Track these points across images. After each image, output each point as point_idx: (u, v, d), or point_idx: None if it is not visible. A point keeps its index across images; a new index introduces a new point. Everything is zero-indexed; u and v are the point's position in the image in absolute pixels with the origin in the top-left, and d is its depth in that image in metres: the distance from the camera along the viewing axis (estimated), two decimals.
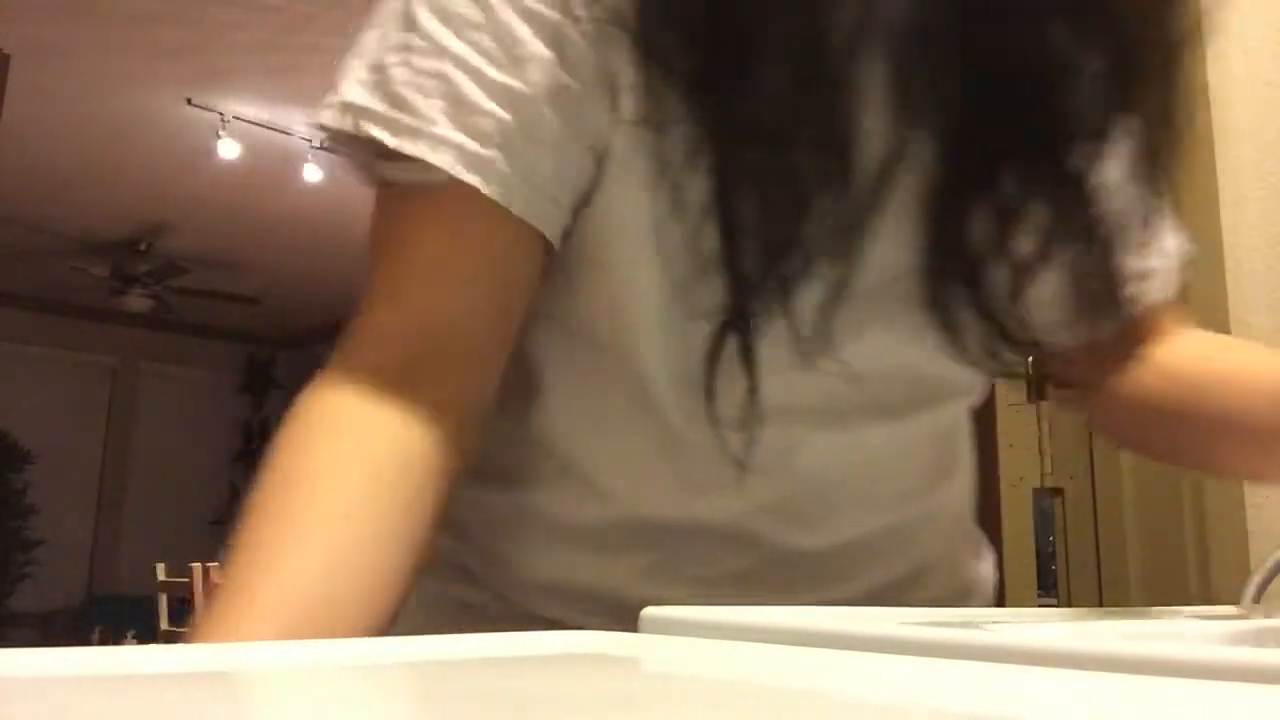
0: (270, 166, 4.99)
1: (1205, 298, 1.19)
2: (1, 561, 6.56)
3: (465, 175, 0.46)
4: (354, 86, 0.51)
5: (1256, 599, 0.67)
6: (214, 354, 8.09)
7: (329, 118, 0.50)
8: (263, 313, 7.22)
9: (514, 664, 0.26)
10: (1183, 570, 1.15)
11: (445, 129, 0.47)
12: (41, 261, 6.35)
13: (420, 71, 0.48)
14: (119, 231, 5.98)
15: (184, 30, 3.84)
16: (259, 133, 4.64)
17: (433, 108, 0.47)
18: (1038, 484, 1.26)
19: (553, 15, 0.48)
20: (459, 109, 0.47)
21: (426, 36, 0.49)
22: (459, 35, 0.48)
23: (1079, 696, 0.24)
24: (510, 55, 0.47)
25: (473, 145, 0.47)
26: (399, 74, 0.49)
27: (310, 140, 4.74)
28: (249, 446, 8.19)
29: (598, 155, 0.50)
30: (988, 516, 0.77)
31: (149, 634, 5.03)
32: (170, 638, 3.94)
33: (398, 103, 0.48)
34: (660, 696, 0.22)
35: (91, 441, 7.45)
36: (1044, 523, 1.29)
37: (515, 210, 0.47)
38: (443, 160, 0.46)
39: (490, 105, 0.47)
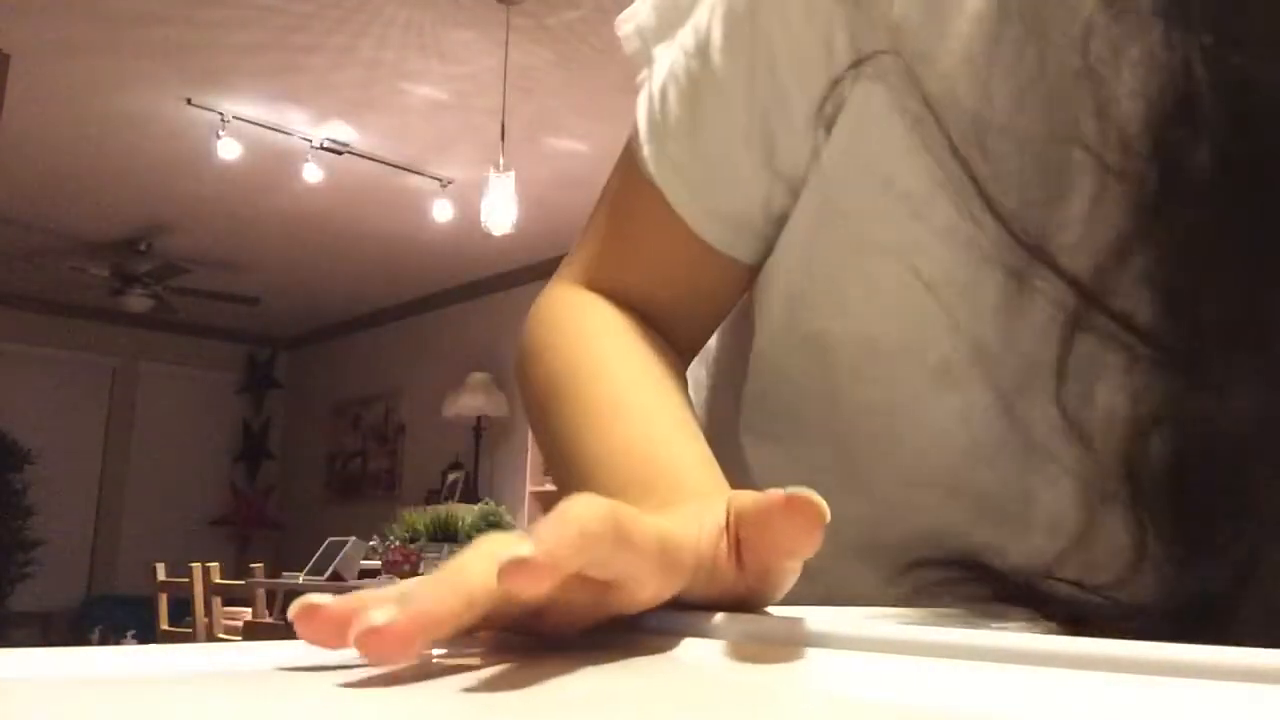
0: (270, 166, 4.99)
1: None
2: (1, 561, 6.56)
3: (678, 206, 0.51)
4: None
5: None
6: (214, 354, 8.09)
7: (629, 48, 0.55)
8: (263, 313, 7.22)
9: (516, 663, 0.26)
10: None
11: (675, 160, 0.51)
12: (41, 261, 6.35)
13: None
14: (119, 231, 5.98)
15: (184, 30, 3.84)
16: (259, 133, 4.64)
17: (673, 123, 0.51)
18: None
19: None
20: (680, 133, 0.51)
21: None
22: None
23: (1076, 697, 0.24)
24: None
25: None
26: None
27: (310, 140, 4.74)
28: (249, 446, 8.19)
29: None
30: None
31: (149, 634, 5.03)
32: (170, 638, 3.94)
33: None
34: (657, 696, 0.22)
35: (91, 441, 7.45)
36: None
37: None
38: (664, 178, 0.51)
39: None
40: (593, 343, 0.53)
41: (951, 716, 0.21)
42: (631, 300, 0.55)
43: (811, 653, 0.30)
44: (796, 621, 0.31)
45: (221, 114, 4.48)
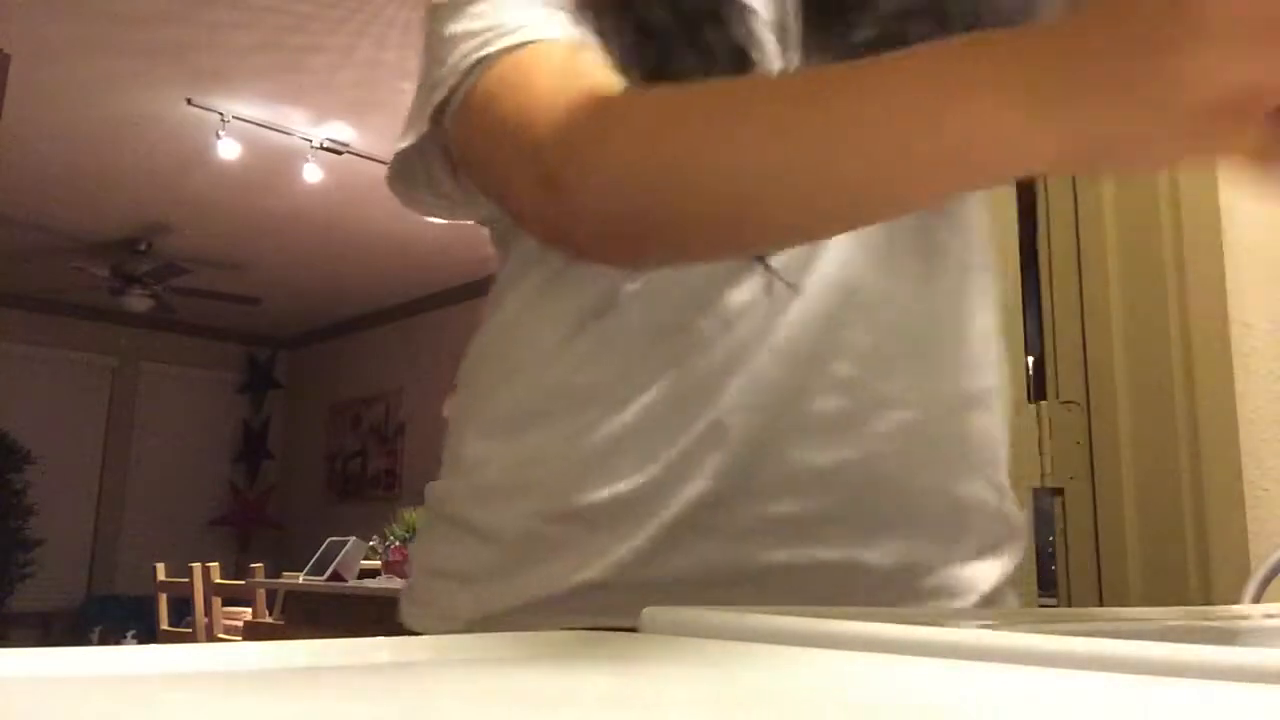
0: (270, 166, 4.99)
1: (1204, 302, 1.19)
2: (1, 561, 6.56)
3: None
4: None
5: (1256, 599, 0.67)
6: (214, 354, 8.09)
7: None
8: (263, 313, 7.22)
9: (515, 663, 0.26)
10: (1183, 570, 1.15)
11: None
12: (41, 261, 6.35)
13: None
14: (119, 231, 5.98)
15: (184, 30, 3.84)
16: (259, 133, 4.64)
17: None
18: (1038, 484, 1.26)
19: None
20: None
21: None
22: None
23: (1076, 696, 0.24)
24: None
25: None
26: None
27: (310, 140, 4.74)
28: (249, 446, 8.19)
29: None
30: None
31: (149, 634, 5.03)
32: (170, 638, 3.94)
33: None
34: (657, 696, 0.22)
35: (91, 441, 7.45)
36: (1044, 523, 1.29)
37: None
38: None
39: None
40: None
41: (951, 716, 0.21)
42: None
43: (811, 652, 0.30)
44: (796, 621, 0.31)
45: (221, 114, 4.48)
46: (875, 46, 0.47)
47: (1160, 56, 0.31)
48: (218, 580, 3.78)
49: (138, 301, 6.26)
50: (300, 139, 4.72)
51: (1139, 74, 0.32)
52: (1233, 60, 0.30)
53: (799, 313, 0.57)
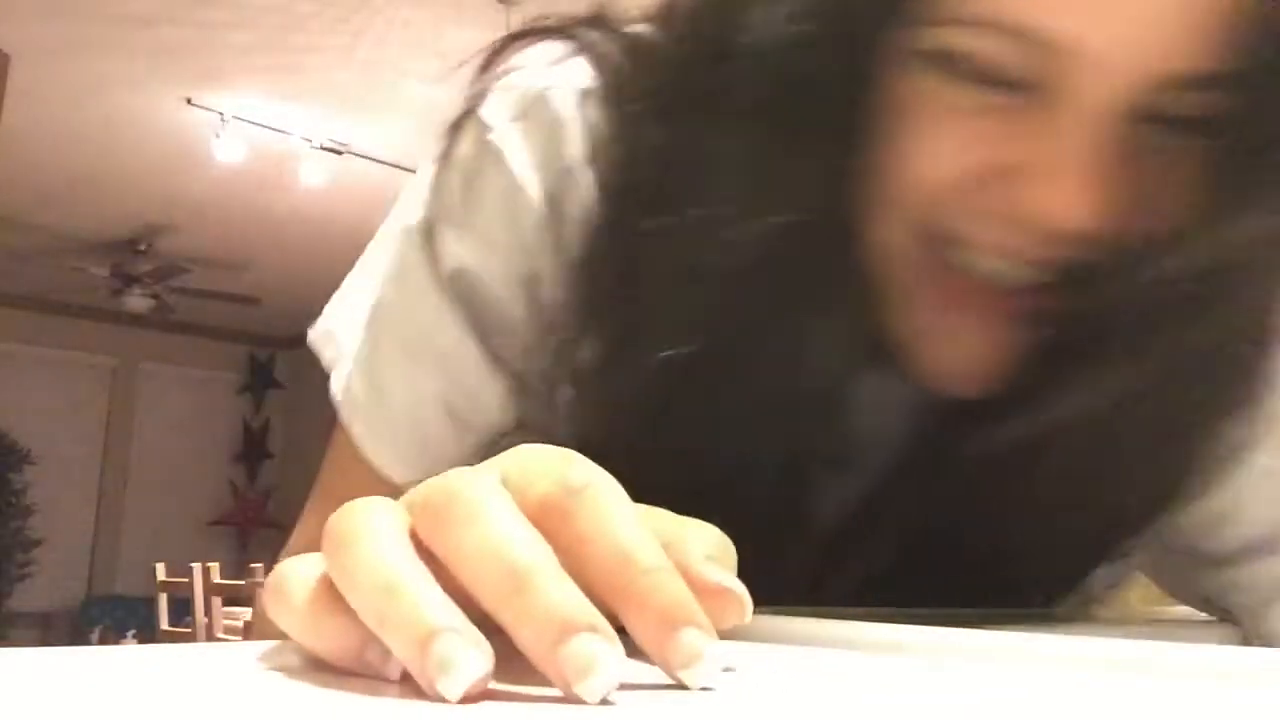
0: (270, 166, 4.99)
1: None
2: (2, 561, 6.56)
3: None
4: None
5: None
6: (214, 354, 8.08)
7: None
8: (263, 313, 7.22)
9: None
10: None
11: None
12: (41, 262, 6.34)
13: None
14: (119, 231, 5.98)
15: (184, 30, 3.84)
16: (259, 133, 4.64)
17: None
18: None
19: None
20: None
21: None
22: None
23: (1075, 696, 0.24)
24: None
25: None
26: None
27: (310, 140, 4.74)
28: (249, 446, 8.19)
29: None
30: None
31: (149, 634, 5.02)
32: (170, 638, 3.94)
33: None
34: (654, 697, 0.22)
35: (91, 441, 7.45)
36: None
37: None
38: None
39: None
40: None
41: (951, 716, 0.21)
42: None
43: (809, 652, 0.30)
44: (794, 621, 0.31)
45: (221, 114, 4.48)
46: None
47: None
48: (218, 580, 3.77)
49: (138, 301, 6.26)
50: (300, 139, 4.72)
51: None
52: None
53: None
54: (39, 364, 7.24)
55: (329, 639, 0.24)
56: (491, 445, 0.49)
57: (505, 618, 0.22)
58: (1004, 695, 0.24)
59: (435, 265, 0.48)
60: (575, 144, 0.46)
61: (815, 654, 0.30)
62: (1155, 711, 0.22)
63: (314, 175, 4.88)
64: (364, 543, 0.23)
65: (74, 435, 7.32)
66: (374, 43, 3.90)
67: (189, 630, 3.78)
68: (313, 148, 4.76)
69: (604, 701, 0.21)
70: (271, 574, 0.25)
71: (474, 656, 0.21)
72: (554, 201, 0.46)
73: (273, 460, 8.25)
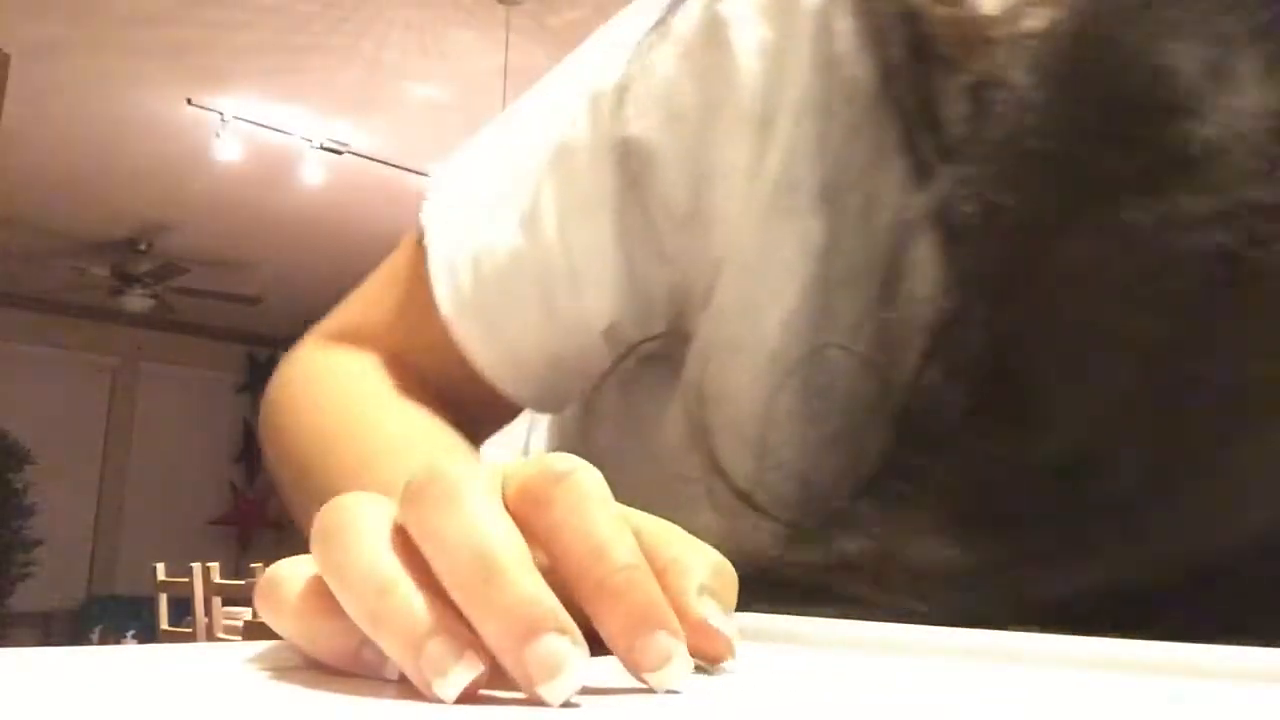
0: (270, 166, 4.99)
1: None
2: (2, 561, 6.55)
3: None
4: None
5: None
6: (214, 354, 8.08)
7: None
8: (263, 313, 7.21)
9: None
10: None
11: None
12: (41, 261, 6.34)
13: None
14: (119, 231, 5.98)
15: (184, 30, 3.84)
16: (259, 133, 4.64)
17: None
18: None
19: None
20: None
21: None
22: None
23: (1073, 696, 0.24)
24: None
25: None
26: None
27: (310, 140, 4.74)
28: (249, 446, 8.18)
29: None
30: None
31: (149, 634, 5.02)
32: (170, 638, 3.94)
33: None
34: (651, 698, 0.22)
35: (91, 441, 7.44)
36: None
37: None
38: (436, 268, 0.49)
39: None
40: (367, 393, 0.51)
41: (951, 716, 0.21)
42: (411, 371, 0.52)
43: (809, 652, 0.30)
44: (794, 621, 0.31)
45: (221, 114, 4.48)
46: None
47: None
48: (218, 580, 3.77)
49: (138, 301, 6.26)
50: (300, 139, 4.71)
51: None
52: None
53: None
54: (39, 364, 7.24)
55: (325, 642, 0.24)
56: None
57: (471, 611, 0.22)
58: (1004, 695, 0.24)
59: (618, 130, 0.43)
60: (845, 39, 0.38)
61: (815, 654, 0.30)
62: (1155, 711, 0.22)
63: (314, 175, 4.88)
64: (354, 541, 0.23)
65: (74, 435, 7.32)
66: (375, 43, 3.90)
67: (189, 630, 3.78)
68: (313, 148, 4.76)
69: (567, 704, 0.21)
70: (262, 577, 0.25)
71: (467, 658, 0.21)
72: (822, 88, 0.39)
73: None
